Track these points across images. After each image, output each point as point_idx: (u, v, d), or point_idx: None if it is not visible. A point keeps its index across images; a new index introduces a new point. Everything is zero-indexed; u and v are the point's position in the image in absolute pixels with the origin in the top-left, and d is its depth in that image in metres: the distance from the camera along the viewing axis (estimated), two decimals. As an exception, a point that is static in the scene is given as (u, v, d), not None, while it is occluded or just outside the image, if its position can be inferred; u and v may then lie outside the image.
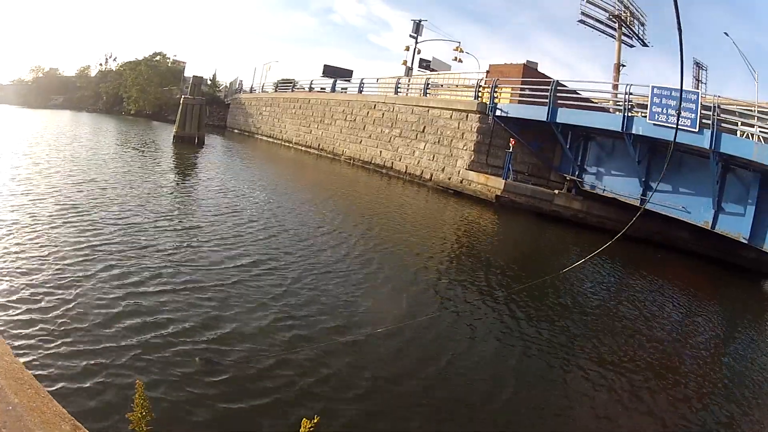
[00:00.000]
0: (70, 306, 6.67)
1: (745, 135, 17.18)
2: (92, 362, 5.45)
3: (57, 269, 7.87)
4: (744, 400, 7.84)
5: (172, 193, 16.00)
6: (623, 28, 44.01)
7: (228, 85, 69.30)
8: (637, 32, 45.20)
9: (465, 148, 25.44)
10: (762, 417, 7.47)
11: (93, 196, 13.29)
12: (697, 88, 41.48)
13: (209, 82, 66.24)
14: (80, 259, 8.53)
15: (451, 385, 6.54)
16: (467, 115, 25.75)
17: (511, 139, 23.91)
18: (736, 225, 17.52)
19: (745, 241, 17.15)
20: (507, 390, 6.69)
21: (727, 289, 17.69)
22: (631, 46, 45.44)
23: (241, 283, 8.65)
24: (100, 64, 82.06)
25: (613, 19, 43.50)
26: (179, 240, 10.72)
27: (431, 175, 27.01)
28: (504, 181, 23.04)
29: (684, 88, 17.92)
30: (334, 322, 7.73)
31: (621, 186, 21.81)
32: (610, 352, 8.68)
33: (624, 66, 43.35)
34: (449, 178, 25.89)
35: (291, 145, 42.78)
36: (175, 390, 5.26)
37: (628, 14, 43.81)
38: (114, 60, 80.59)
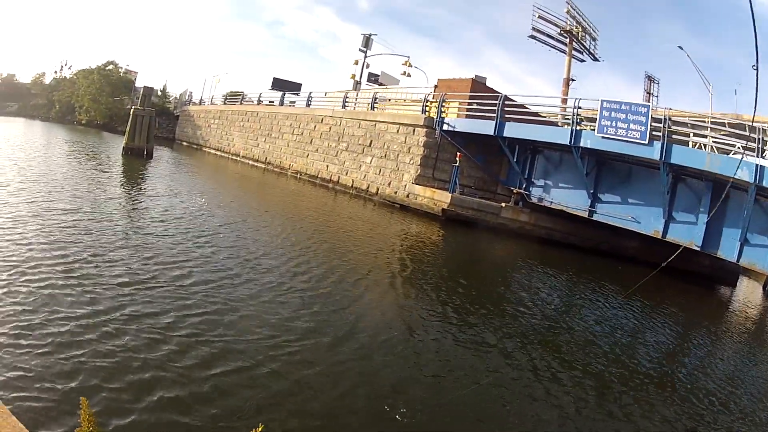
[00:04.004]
0: (30, 325, 6.38)
1: (697, 146, 17.36)
2: (48, 380, 5.33)
3: (16, 290, 7.38)
4: (705, 405, 8.06)
5: (126, 211, 14.68)
6: (574, 43, 44.38)
7: (178, 96, 67.72)
8: (588, 47, 45.67)
9: (411, 162, 24.81)
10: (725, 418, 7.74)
11: (51, 218, 11.97)
12: (648, 101, 42.13)
13: (159, 93, 64.74)
14: (39, 279, 7.92)
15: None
16: (414, 130, 25.20)
17: (458, 153, 23.46)
18: (688, 233, 17.83)
19: (698, 249, 17.40)
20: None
21: (684, 295, 17.90)
22: (582, 60, 45.93)
23: (188, 297, 8.28)
24: (55, 72, 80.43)
25: (565, 35, 43.81)
26: (136, 256, 10.13)
27: (377, 190, 26.28)
28: (450, 194, 22.52)
29: (634, 101, 18.18)
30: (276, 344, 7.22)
31: (569, 198, 21.79)
32: (574, 361, 8.78)
33: (574, 80, 43.71)
34: (395, 192, 25.20)
35: (238, 158, 41.53)
36: (125, 405, 5.18)
37: (580, 29, 44.21)
38: (69, 68, 79.02)
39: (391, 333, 8.47)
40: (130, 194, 18.15)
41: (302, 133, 33.71)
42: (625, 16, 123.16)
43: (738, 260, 16.67)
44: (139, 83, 62.76)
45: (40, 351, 5.82)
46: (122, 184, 20.26)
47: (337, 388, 6.31)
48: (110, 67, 68.72)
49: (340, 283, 10.73)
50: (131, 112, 33.09)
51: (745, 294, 23.76)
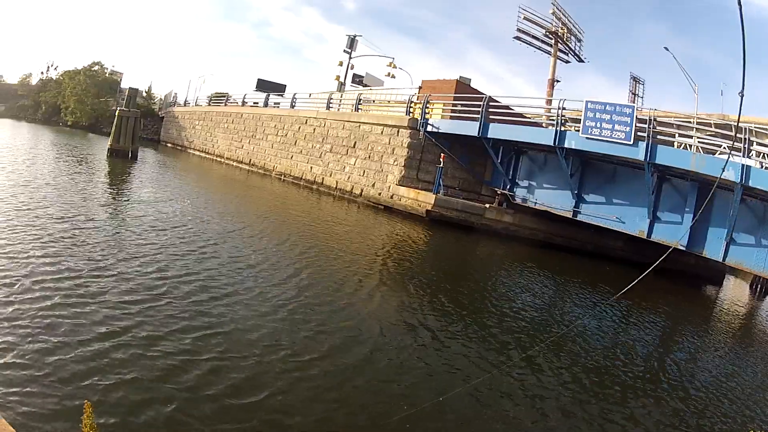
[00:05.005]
0: (25, 333, 6.21)
1: (682, 146, 17.32)
2: (45, 386, 5.21)
3: (18, 305, 7.00)
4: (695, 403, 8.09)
5: (122, 219, 14.12)
6: (559, 45, 44.26)
7: (163, 97, 67.08)
8: (573, 48, 45.55)
9: (396, 163, 24.55)
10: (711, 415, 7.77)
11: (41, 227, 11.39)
12: (634, 102, 42.06)
13: (144, 95, 64.22)
14: (35, 282, 7.78)
15: None
16: (398, 131, 24.95)
17: (442, 155, 23.23)
18: (674, 233, 17.76)
19: (684, 248, 17.27)
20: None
21: (672, 295, 17.84)
22: (567, 62, 45.77)
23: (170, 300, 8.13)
24: (42, 73, 79.47)
25: (550, 36, 43.66)
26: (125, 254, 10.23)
27: (362, 191, 25.98)
28: (434, 195, 22.28)
29: (619, 102, 18.05)
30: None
31: (553, 198, 21.67)
32: (572, 360, 8.85)
33: (559, 81, 43.54)
34: (380, 194, 24.92)
35: (223, 160, 41.09)
36: (126, 414, 5.04)
37: (566, 31, 44.07)
38: (55, 69, 78.15)
39: (396, 337, 8.45)
40: (122, 200, 17.70)
41: (286, 135, 33.36)
42: (610, 17, 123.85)
43: (724, 260, 16.61)
44: (125, 84, 62.10)
45: (46, 369, 5.54)
46: (113, 189, 19.78)
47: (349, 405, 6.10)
48: (96, 67, 68.35)
49: (340, 293, 10.41)
50: (116, 113, 32.71)
51: (733, 293, 23.80)
